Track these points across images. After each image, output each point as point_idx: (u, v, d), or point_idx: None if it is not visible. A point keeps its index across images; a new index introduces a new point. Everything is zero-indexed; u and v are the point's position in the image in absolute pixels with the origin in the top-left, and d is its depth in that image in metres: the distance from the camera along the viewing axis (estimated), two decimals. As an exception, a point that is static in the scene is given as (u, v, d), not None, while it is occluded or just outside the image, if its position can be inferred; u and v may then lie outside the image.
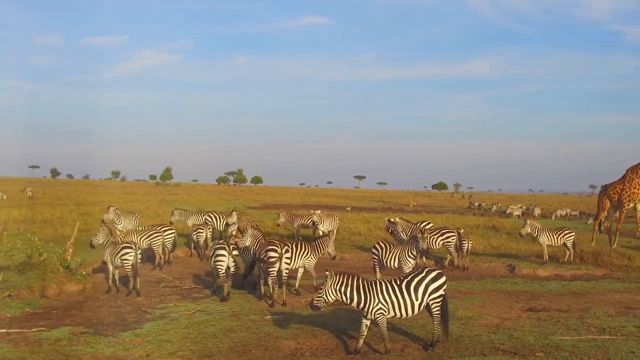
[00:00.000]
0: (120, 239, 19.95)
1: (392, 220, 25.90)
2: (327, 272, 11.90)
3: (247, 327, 13.75)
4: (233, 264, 17.69)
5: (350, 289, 11.82)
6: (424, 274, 12.35)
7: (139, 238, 21.24)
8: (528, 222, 25.36)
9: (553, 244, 24.83)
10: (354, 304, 11.90)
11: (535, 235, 24.90)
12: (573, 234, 24.94)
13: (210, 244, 23.64)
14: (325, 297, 11.78)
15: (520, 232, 25.49)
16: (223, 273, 17.35)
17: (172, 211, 29.25)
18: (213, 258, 17.55)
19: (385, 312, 11.94)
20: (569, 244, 24.68)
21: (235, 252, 17.85)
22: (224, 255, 17.35)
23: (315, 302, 11.82)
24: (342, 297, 11.83)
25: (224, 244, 17.85)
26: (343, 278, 11.84)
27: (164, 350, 11.94)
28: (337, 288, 11.79)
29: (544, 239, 24.62)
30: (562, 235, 24.69)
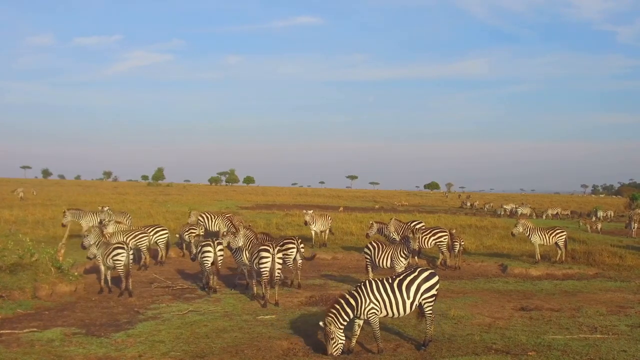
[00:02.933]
0: (107, 238, 19.85)
1: (373, 222, 25.88)
2: (321, 324, 11.90)
3: (239, 327, 13.74)
4: (220, 259, 18.49)
5: (345, 311, 11.84)
6: (416, 273, 12.38)
7: (125, 238, 21.14)
8: (520, 222, 25.52)
9: (545, 244, 24.96)
10: (351, 316, 11.96)
11: (527, 235, 25.06)
12: (565, 233, 25.09)
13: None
14: (340, 341, 11.80)
15: (512, 232, 25.67)
16: (209, 267, 18.28)
17: (64, 212, 27.81)
18: (200, 254, 18.49)
19: (378, 311, 11.95)
20: (561, 243, 24.80)
21: (219, 248, 18.44)
22: (209, 252, 18.20)
23: (335, 352, 11.77)
24: (345, 324, 11.88)
25: (209, 241, 18.62)
26: (336, 311, 11.83)
27: (156, 351, 11.91)
28: (340, 323, 11.80)
29: (536, 239, 24.77)
30: (553, 234, 24.83)
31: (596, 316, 15.07)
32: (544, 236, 24.84)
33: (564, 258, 24.80)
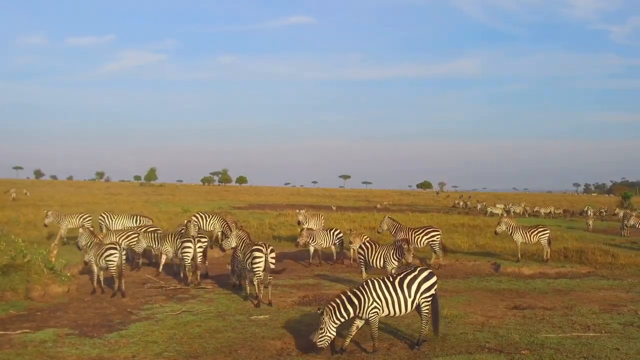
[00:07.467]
0: (100, 238, 19.82)
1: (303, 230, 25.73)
2: (318, 311, 11.92)
3: (233, 328, 13.72)
4: (200, 255, 19.55)
5: (345, 308, 11.83)
6: (416, 272, 12.39)
7: (118, 239, 21.11)
8: (503, 220, 25.90)
9: (527, 242, 25.14)
10: (351, 315, 11.95)
11: (509, 233, 25.29)
12: (547, 231, 25.22)
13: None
14: (328, 334, 11.75)
15: (496, 231, 26.19)
16: (189, 263, 19.37)
17: None
18: (180, 250, 19.57)
19: (380, 310, 11.96)
20: (544, 242, 24.94)
21: (199, 245, 19.46)
22: (190, 247, 19.28)
23: (319, 343, 11.74)
24: (342, 320, 11.86)
25: (190, 237, 19.83)
26: (336, 305, 11.82)
27: (149, 351, 11.88)
28: (337, 317, 11.80)
29: (518, 237, 25.00)
30: (536, 233, 24.98)
31: (589, 314, 15.12)
32: (525, 234, 25.03)
33: (548, 256, 24.91)
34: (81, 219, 28.55)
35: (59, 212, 29.62)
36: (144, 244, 21.15)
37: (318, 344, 11.73)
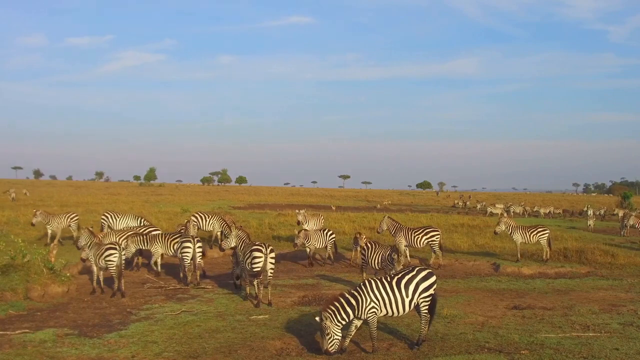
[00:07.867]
0: (100, 238, 19.83)
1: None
2: (317, 318, 11.89)
3: (232, 328, 13.71)
4: (199, 255, 19.50)
5: (345, 311, 11.81)
6: (414, 272, 12.38)
7: (117, 239, 21.12)
8: (502, 220, 25.95)
9: (526, 242, 25.17)
10: (351, 317, 11.94)
11: (509, 233, 25.34)
12: (547, 231, 25.24)
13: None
14: (336, 338, 11.73)
15: (495, 230, 26.27)
16: (189, 263, 19.43)
17: None
18: (180, 250, 19.68)
19: (378, 310, 11.96)
20: (543, 242, 24.96)
21: (199, 245, 19.50)
22: (189, 247, 19.40)
23: (331, 349, 11.71)
24: (343, 323, 11.85)
25: (190, 238, 19.86)
26: (335, 309, 11.81)
27: (149, 351, 11.87)
28: (338, 320, 11.78)
29: (518, 237, 25.05)
30: (535, 233, 25.01)
31: (588, 314, 15.12)
32: (525, 234, 25.08)
33: (548, 256, 24.93)
34: (69, 219, 28.56)
35: (47, 212, 29.56)
36: (132, 248, 21.05)
37: (330, 350, 11.71)
